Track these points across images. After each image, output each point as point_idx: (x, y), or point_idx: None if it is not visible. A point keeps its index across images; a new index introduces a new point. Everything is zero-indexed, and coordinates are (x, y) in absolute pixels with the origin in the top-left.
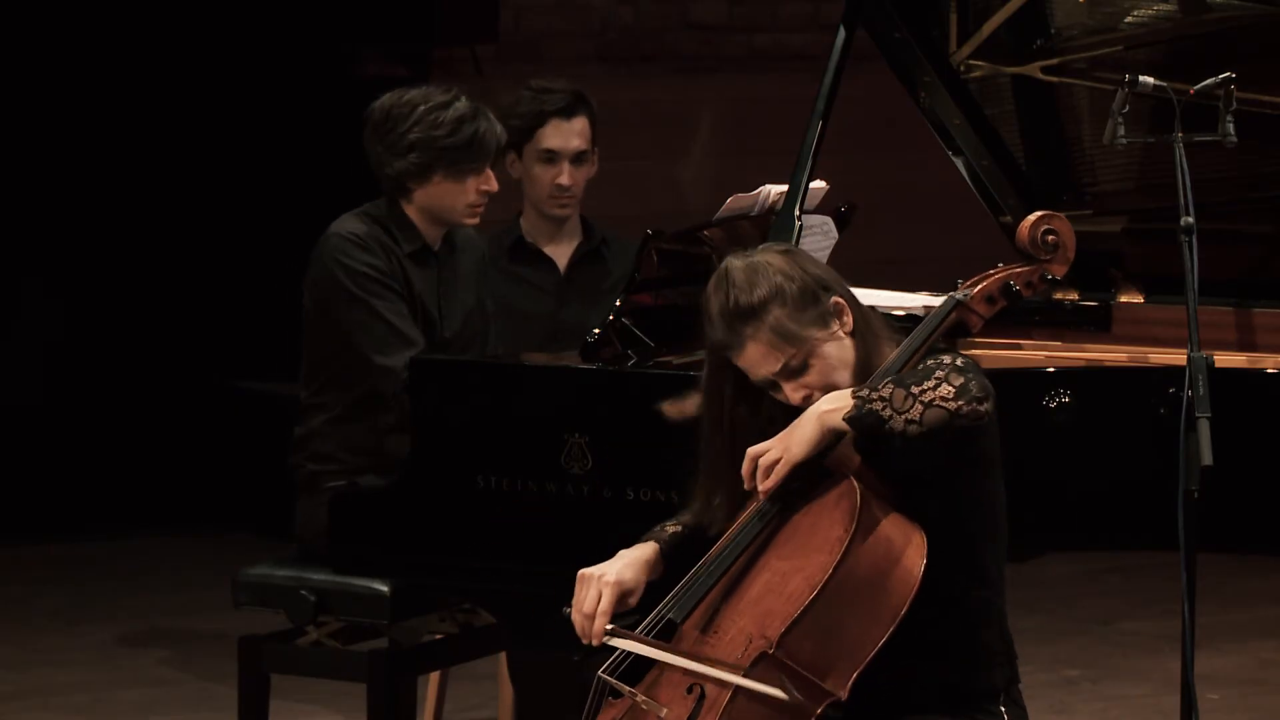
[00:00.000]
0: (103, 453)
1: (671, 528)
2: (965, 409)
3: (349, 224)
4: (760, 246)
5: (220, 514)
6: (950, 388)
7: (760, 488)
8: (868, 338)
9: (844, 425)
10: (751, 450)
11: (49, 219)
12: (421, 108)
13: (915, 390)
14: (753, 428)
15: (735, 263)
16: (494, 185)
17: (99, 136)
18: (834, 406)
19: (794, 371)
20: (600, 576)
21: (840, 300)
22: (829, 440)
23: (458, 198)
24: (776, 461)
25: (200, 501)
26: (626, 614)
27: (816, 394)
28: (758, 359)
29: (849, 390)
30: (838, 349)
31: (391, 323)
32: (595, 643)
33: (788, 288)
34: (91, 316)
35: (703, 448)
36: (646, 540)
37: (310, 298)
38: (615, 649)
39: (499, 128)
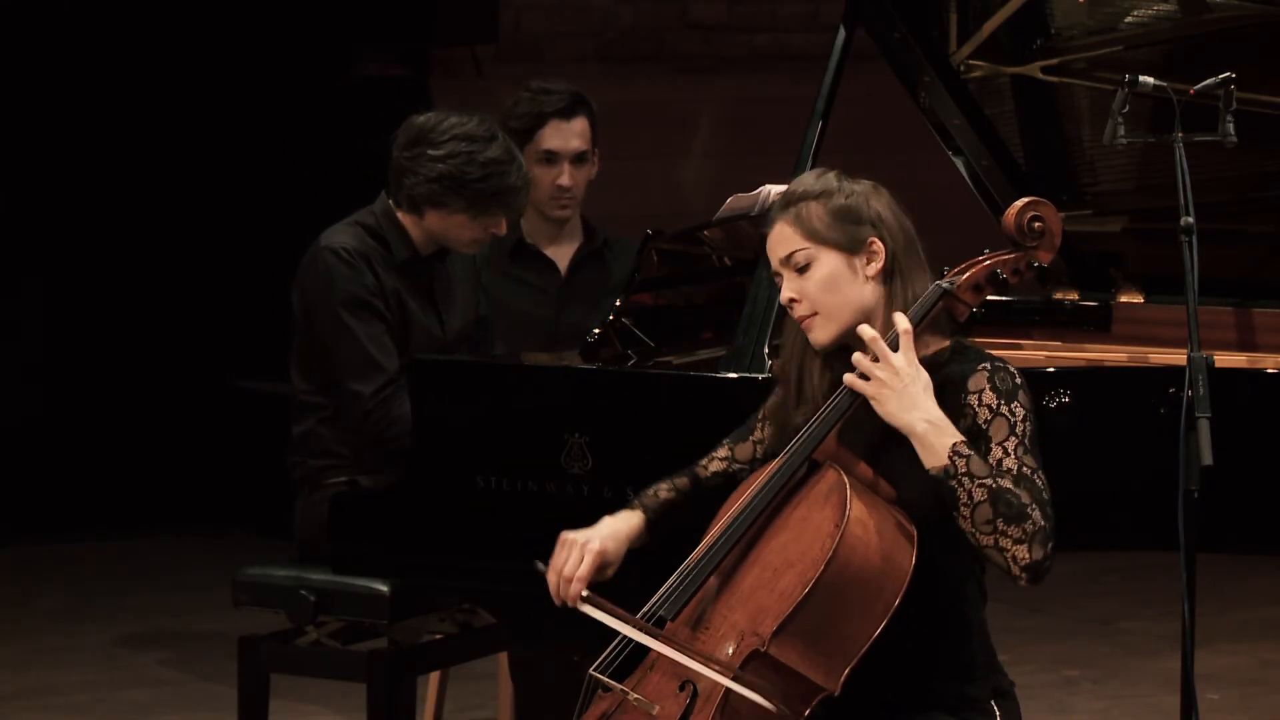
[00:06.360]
0: (103, 452)
1: (665, 493)
2: (1022, 579)
3: (339, 237)
4: None
5: (220, 514)
6: (1027, 555)
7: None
8: (893, 293)
9: (916, 432)
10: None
11: (50, 218)
12: (462, 143)
13: (1001, 526)
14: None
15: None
16: (504, 230)
17: (98, 137)
18: (934, 436)
19: (796, 267)
20: (585, 543)
21: (879, 243)
22: (880, 423)
23: (466, 232)
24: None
25: (200, 501)
26: (601, 585)
27: (804, 304)
28: (775, 239)
29: (957, 436)
30: (850, 279)
31: (368, 351)
32: (570, 603)
33: (837, 197)
34: (92, 316)
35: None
36: (635, 507)
37: (300, 304)
38: (608, 646)
39: (528, 176)
